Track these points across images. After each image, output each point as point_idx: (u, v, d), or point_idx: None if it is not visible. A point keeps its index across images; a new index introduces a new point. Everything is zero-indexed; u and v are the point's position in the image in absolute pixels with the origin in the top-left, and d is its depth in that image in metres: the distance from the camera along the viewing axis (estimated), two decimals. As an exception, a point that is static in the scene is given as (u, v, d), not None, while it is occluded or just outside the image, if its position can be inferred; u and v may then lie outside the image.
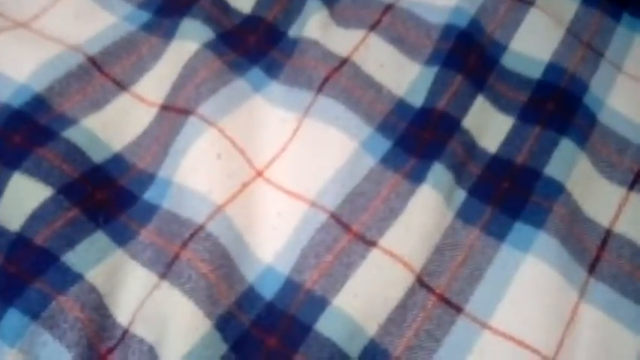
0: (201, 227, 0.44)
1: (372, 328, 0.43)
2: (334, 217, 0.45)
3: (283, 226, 0.46)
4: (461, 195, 0.48)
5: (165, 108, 0.50)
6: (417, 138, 0.49)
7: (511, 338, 0.43)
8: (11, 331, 0.40)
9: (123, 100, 0.51)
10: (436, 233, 0.46)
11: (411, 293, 0.44)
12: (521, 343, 0.42)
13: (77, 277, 0.41)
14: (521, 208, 0.47)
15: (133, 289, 0.43)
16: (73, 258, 0.42)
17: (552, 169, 0.49)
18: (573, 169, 0.49)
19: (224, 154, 0.47)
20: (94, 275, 0.42)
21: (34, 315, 0.40)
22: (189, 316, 0.41)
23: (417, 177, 0.47)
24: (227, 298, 0.43)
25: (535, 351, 0.42)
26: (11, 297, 0.40)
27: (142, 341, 0.42)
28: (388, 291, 0.43)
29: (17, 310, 0.40)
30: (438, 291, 0.44)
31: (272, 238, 0.46)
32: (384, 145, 0.49)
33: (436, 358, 0.43)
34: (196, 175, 0.46)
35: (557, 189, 0.48)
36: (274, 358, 0.42)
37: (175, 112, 0.49)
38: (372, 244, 0.45)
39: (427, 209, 0.46)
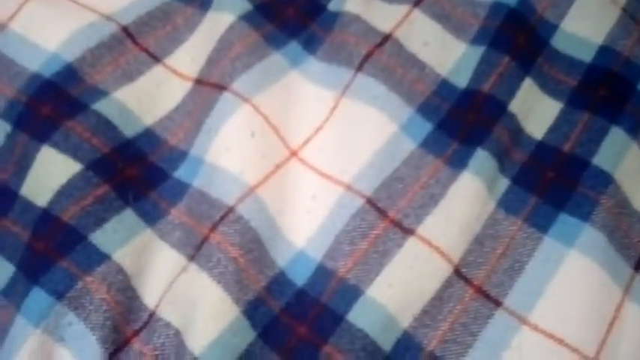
0: (231, 209, 0.42)
1: (406, 320, 0.41)
2: (370, 202, 0.44)
3: (317, 210, 0.44)
4: (504, 183, 0.46)
5: (199, 82, 0.49)
6: (460, 121, 0.47)
7: (551, 336, 0.41)
8: (36, 310, 0.39)
9: (156, 73, 0.49)
10: (476, 223, 0.44)
11: (447, 285, 0.42)
12: (561, 342, 0.41)
13: (104, 257, 0.40)
14: (567, 199, 0.45)
15: (161, 270, 0.42)
16: (100, 237, 0.41)
17: (601, 158, 0.47)
18: (623, 160, 0.47)
19: (258, 133, 0.45)
20: (122, 255, 0.40)
21: (60, 295, 0.39)
22: (217, 302, 0.40)
23: (458, 163, 0.45)
24: (256, 283, 0.41)
25: (575, 350, 0.40)
26: (37, 275, 0.39)
27: (168, 325, 0.40)
28: (424, 282, 0.42)
29: (42, 290, 0.39)
30: (476, 283, 0.42)
31: (305, 221, 0.44)
32: (425, 127, 0.47)
33: (471, 352, 0.41)
34: (229, 154, 0.44)
35: (605, 180, 0.45)
36: (304, 347, 0.41)
37: (209, 86, 0.47)
38: (409, 232, 0.43)
39: (468, 198, 0.44)
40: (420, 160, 0.45)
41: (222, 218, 0.42)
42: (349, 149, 0.45)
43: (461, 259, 0.43)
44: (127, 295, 0.40)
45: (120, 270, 0.40)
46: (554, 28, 0.52)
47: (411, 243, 0.43)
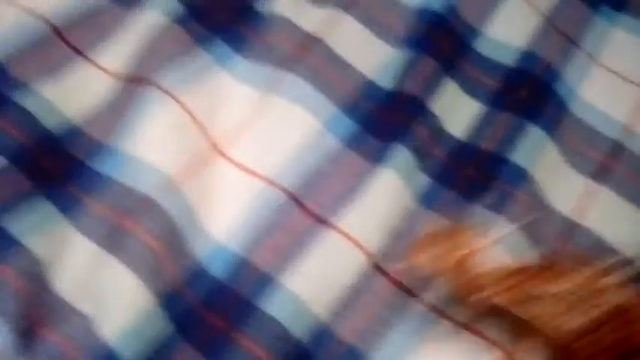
0: (150, 200, 0.42)
1: (321, 311, 0.41)
2: (291, 196, 0.44)
3: (239, 204, 0.44)
4: (424, 180, 0.47)
5: (125, 78, 0.49)
6: (382, 120, 0.48)
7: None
8: None
9: (83, 69, 0.49)
10: (395, 217, 0.44)
11: (364, 277, 0.42)
12: (480, 333, 0.41)
13: (16, 244, 0.40)
14: (483, 193, 0.46)
15: (76, 260, 0.42)
16: (12, 223, 0.40)
17: (518, 155, 0.48)
18: (540, 157, 0.48)
19: (182, 128, 0.45)
20: (35, 243, 0.40)
21: (-31, 283, 0.38)
22: (131, 290, 0.40)
23: (378, 159, 0.46)
24: (174, 275, 0.41)
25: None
26: None
27: (82, 316, 0.40)
28: (341, 274, 0.42)
29: None
30: (393, 275, 0.43)
31: (226, 215, 0.44)
32: (348, 125, 0.47)
33: (387, 344, 0.41)
34: (150, 146, 0.44)
35: (521, 176, 0.47)
36: (219, 339, 0.41)
37: (135, 82, 0.48)
38: (328, 225, 0.43)
39: (386, 192, 0.44)
40: (341, 156, 0.46)
41: (139, 208, 0.42)
42: (272, 145, 0.46)
43: (379, 252, 0.43)
44: (40, 285, 0.39)
45: (33, 259, 0.40)
46: (478, 33, 0.53)
47: (330, 236, 0.43)
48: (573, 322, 0.36)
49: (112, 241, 0.41)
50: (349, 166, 0.46)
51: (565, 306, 0.36)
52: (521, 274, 0.38)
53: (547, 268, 0.37)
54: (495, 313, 0.39)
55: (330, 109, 0.47)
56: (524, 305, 0.36)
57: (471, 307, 0.40)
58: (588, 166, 0.49)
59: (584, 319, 0.35)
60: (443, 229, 0.40)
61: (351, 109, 0.48)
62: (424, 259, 0.39)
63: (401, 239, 0.44)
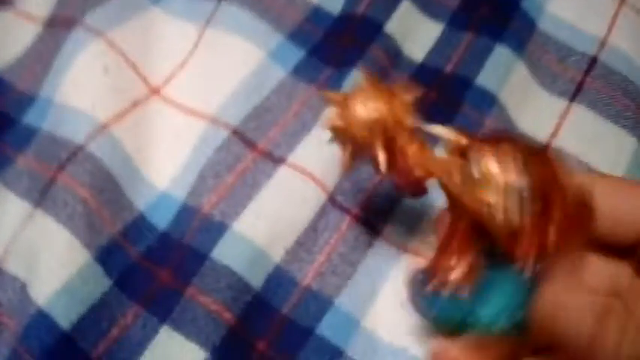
0: (80, 148, 0.38)
1: (277, 254, 0.37)
2: (237, 133, 0.40)
3: (180, 148, 0.40)
4: None
5: (50, 22, 0.44)
6: (333, 46, 0.43)
7: None
8: None
9: (6, 18, 0.45)
10: None
11: (322, 213, 0.38)
12: None
13: None
14: (449, 121, 0.42)
15: (6, 221, 0.38)
16: None
17: (484, 78, 0.43)
18: (508, 79, 0.44)
19: (112, 68, 0.41)
20: None
21: None
22: (63, 247, 0.35)
23: (333, 87, 0.41)
24: (111, 227, 0.37)
25: None
26: None
27: (14, 279, 0.36)
28: (297, 211, 0.38)
29: None
30: (353, 211, 0.38)
31: (168, 161, 0.40)
32: (297, 54, 0.43)
33: (351, 284, 0.37)
34: (78, 91, 0.40)
35: (489, 100, 0.42)
36: (165, 293, 0.36)
37: (60, 25, 0.43)
38: (280, 161, 0.39)
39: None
40: (291, 88, 0.42)
41: (70, 158, 0.38)
42: (213, 81, 0.42)
43: (336, 186, 0.39)
44: None
45: None
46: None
47: (282, 171, 0.39)
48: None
49: (45, 197, 0.37)
50: (300, 96, 0.41)
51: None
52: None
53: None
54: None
55: (274, 37, 0.43)
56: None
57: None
58: (561, 85, 0.45)
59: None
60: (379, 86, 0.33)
61: (298, 36, 0.44)
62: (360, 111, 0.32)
63: (360, 172, 0.39)
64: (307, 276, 0.37)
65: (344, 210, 0.38)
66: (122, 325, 0.36)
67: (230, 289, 0.35)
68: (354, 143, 0.32)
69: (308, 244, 0.38)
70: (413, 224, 0.39)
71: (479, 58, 0.44)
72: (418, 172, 0.32)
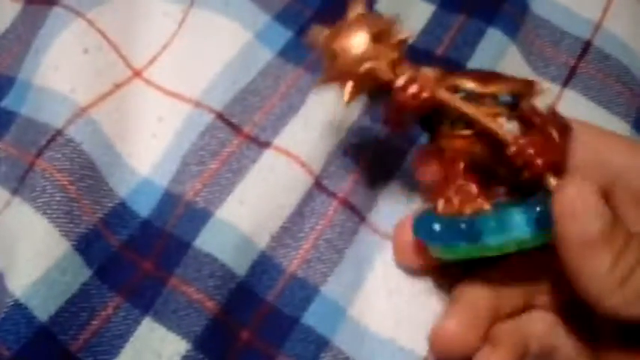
0: (59, 132, 0.36)
1: (262, 240, 0.36)
2: (222, 117, 0.38)
3: (163, 133, 0.39)
4: None
5: (29, 1, 0.42)
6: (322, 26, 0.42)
7: None
8: None
9: (-16, -3, 0.43)
10: (339, 129, 0.39)
11: (308, 198, 0.37)
12: None
13: None
14: None
15: None
16: None
17: (476, 62, 0.42)
18: (500, 64, 0.43)
19: (92, 49, 0.39)
20: None
21: None
22: (41, 235, 0.34)
23: (320, 69, 0.40)
24: (91, 215, 0.36)
25: None
26: None
27: None
28: (282, 196, 0.37)
29: None
30: (340, 195, 0.37)
31: (151, 146, 0.39)
32: (284, 35, 0.42)
33: (337, 271, 0.36)
34: (58, 72, 0.38)
35: None
36: (147, 283, 0.35)
37: (39, 4, 0.41)
38: (265, 145, 0.38)
39: (329, 103, 0.39)
40: (278, 70, 0.40)
41: (48, 142, 0.36)
42: (197, 63, 0.40)
43: (322, 169, 0.38)
44: None
45: None
46: None
47: (267, 155, 0.38)
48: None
49: (24, 185, 0.36)
50: (287, 78, 0.40)
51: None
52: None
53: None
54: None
55: (261, 17, 0.42)
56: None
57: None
58: (554, 70, 0.44)
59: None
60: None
61: (286, 16, 0.42)
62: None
63: (347, 154, 0.38)
64: (293, 263, 0.36)
65: (330, 194, 0.38)
66: (103, 316, 0.35)
67: (213, 277, 0.34)
68: (341, 72, 0.32)
69: (294, 230, 0.37)
70: (398, 211, 0.37)
71: (471, 42, 0.43)
72: (425, 94, 0.31)
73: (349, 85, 0.31)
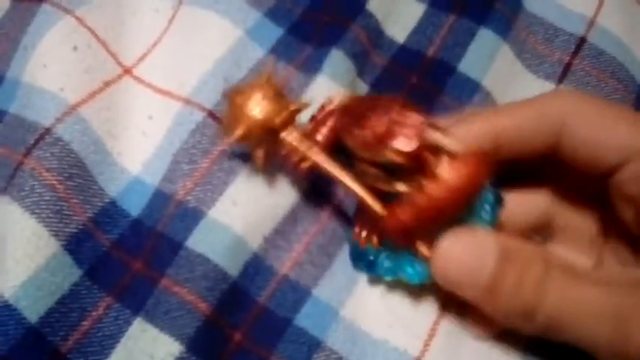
0: (48, 131, 0.36)
1: (255, 241, 0.36)
2: (213, 115, 0.38)
3: (154, 131, 0.38)
4: (363, 89, 0.41)
5: (17, -1, 0.42)
6: (313, 24, 0.42)
7: None
8: None
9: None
10: None
11: (301, 202, 0.37)
12: None
13: None
14: (429, 109, 0.40)
15: None
16: None
17: (467, 64, 0.42)
18: (493, 65, 0.42)
19: (81, 47, 0.39)
20: None
21: None
22: (29, 236, 0.34)
23: (312, 67, 0.40)
24: (81, 214, 0.35)
25: None
26: None
27: None
28: (275, 198, 0.36)
29: None
30: (334, 202, 0.37)
31: (141, 145, 0.38)
32: (275, 32, 0.41)
33: (328, 275, 0.36)
34: (47, 70, 0.38)
35: (471, 88, 0.41)
36: (138, 284, 0.35)
37: (28, 0, 0.41)
38: None
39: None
40: (268, 67, 0.40)
41: (37, 141, 0.36)
42: (187, 60, 0.40)
43: (317, 174, 0.37)
44: None
45: None
46: None
47: None
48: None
49: (12, 184, 0.35)
50: (278, 77, 0.39)
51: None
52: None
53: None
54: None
55: (252, 14, 0.41)
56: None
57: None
58: (548, 67, 0.44)
59: None
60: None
61: (276, 13, 0.42)
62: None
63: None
64: (285, 265, 0.36)
65: (324, 199, 0.37)
66: (93, 317, 0.34)
67: (205, 278, 0.34)
68: (243, 137, 0.34)
69: (286, 232, 0.36)
70: None
71: (462, 42, 0.43)
72: (295, 160, 0.34)
73: (258, 153, 0.35)
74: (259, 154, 0.34)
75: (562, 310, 0.30)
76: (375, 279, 0.36)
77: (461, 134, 0.33)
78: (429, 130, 0.31)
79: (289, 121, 0.34)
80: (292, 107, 0.34)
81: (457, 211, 0.32)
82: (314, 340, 0.35)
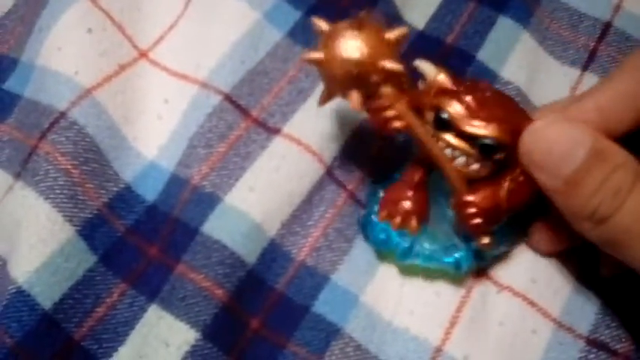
0: (63, 114, 0.35)
1: (272, 227, 0.35)
2: (229, 99, 0.37)
3: (170, 114, 0.38)
4: None
5: (31, -19, 0.41)
6: (332, 7, 0.41)
7: None
8: None
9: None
10: (350, 118, 0.37)
11: (318, 187, 0.36)
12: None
13: None
14: None
15: None
16: None
17: (486, 53, 0.41)
18: (512, 54, 0.41)
19: (96, 29, 0.38)
20: None
21: None
22: (44, 220, 0.33)
23: None
24: (96, 199, 0.35)
25: None
26: None
27: None
28: (292, 184, 0.36)
29: None
30: (349, 187, 0.36)
31: (157, 129, 0.38)
32: (293, 15, 0.40)
33: (347, 260, 0.35)
34: (61, 53, 0.37)
35: (489, 78, 0.40)
36: (153, 270, 0.34)
37: (42, -17, 0.40)
38: (274, 131, 0.37)
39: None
40: (287, 52, 0.39)
41: (52, 125, 0.35)
42: (204, 43, 0.39)
43: (334, 158, 0.37)
44: None
45: None
46: None
47: (277, 143, 0.37)
48: None
49: (27, 169, 0.35)
50: (296, 61, 0.39)
51: None
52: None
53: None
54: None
55: None
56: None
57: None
58: (573, 54, 0.43)
59: None
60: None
61: None
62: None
63: (358, 146, 0.37)
64: (302, 251, 0.35)
65: (340, 185, 0.36)
66: (108, 303, 0.34)
67: (222, 264, 0.33)
68: (332, 79, 0.31)
69: (303, 218, 0.36)
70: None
71: (481, 31, 0.42)
72: (389, 115, 0.32)
73: (354, 95, 0.31)
74: (355, 96, 0.31)
75: (632, 227, 0.29)
76: (394, 263, 0.35)
77: (572, 115, 0.32)
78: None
79: (392, 56, 0.31)
80: (391, 36, 0.31)
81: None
82: (333, 327, 0.34)
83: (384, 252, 0.35)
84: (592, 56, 0.43)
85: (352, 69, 0.30)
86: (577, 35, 0.43)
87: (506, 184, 0.32)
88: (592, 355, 0.34)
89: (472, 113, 0.31)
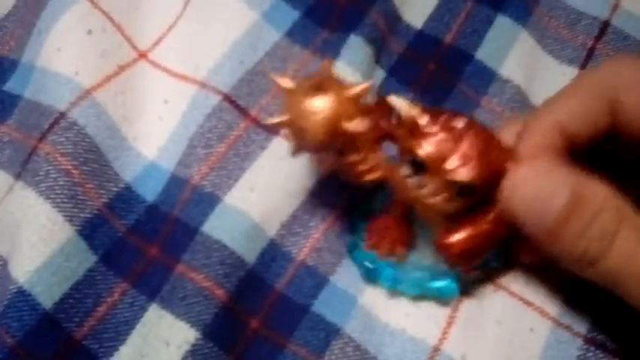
0: (63, 115, 0.35)
1: (272, 227, 0.35)
2: (228, 99, 0.37)
3: (169, 115, 0.38)
4: (379, 75, 0.40)
5: (31, -18, 0.41)
6: (330, 7, 0.41)
7: None
8: None
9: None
10: None
11: (318, 188, 0.36)
12: None
13: None
14: (446, 97, 0.39)
15: None
16: None
17: (484, 52, 0.41)
18: (511, 53, 0.42)
19: (96, 30, 0.38)
20: None
21: None
22: (44, 221, 0.33)
23: (330, 52, 0.39)
24: (96, 199, 0.35)
25: None
26: None
27: None
28: (293, 184, 0.36)
29: None
30: (350, 188, 0.36)
31: (157, 129, 0.38)
32: (291, 15, 0.41)
33: (346, 263, 0.36)
34: (61, 54, 0.37)
35: (488, 78, 0.40)
36: (154, 270, 0.35)
37: (41, -16, 0.40)
38: (274, 131, 0.37)
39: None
40: (286, 52, 0.39)
41: (52, 126, 0.35)
42: (203, 43, 0.39)
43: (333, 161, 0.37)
44: None
45: None
46: None
47: (277, 143, 0.37)
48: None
49: (27, 169, 0.35)
50: (295, 61, 0.39)
51: None
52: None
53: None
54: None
55: None
56: None
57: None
58: (571, 52, 0.43)
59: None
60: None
61: None
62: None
63: None
64: (302, 251, 0.36)
65: (341, 185, 0.36)
66: (108, 303, 0.34)
67: (222, 264, 0.33)
68: (300, 137, 0.31)
69: (304, 219, 0.36)
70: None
71: (479, 30, 0.42)
72: (363, 169, 0.32)
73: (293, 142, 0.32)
74: (324, 158, 0.32)
75: (624, 268, 0.29)
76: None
77: (530, 137, 0.31)
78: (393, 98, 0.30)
79: (355, 114, 0.31)
80: (352, 92, 0.30)
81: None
82: (332, 327, 0.34)
83: (371, 279, 0.35)
84: (590, 55, 0.43)
85: (318, 131, 0.30)
86: (575, 34, 0.44)
87: (490, 217, 0.31)
88: (590, 354, 0.34)
89: (446, 154, 0.30)
